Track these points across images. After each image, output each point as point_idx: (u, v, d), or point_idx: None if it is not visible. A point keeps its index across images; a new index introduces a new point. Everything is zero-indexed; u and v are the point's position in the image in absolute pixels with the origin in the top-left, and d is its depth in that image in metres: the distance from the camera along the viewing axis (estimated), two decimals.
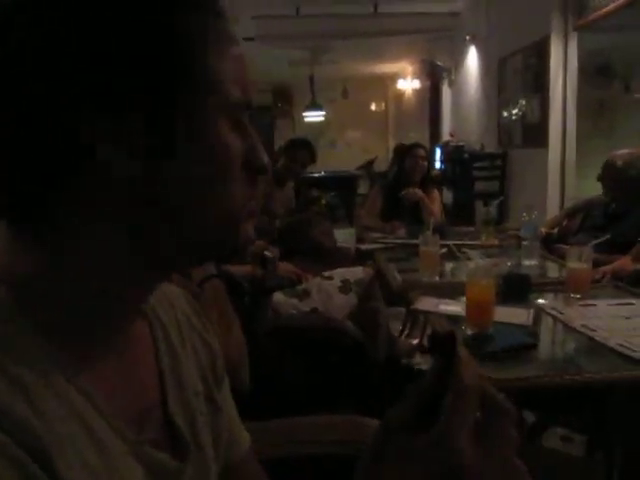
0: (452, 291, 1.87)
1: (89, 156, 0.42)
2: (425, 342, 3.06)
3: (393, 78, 10.50)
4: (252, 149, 0.50)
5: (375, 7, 6.21)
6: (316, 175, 7.92)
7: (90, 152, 0.42)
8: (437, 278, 2.14)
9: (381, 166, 9.40)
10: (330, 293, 2.13)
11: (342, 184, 8.74)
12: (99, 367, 0.47)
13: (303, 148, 3.31)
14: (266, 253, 1.60)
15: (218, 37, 0.47)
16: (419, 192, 3.48)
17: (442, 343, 0.40)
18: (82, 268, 0.45)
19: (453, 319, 1.66)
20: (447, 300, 1.81)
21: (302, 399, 1.61)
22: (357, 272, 2.30)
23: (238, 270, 1.73)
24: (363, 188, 8.86)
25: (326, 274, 2.24)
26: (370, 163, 9.75)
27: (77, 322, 0.45)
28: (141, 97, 0.43)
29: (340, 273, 2.26)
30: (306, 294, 2.12)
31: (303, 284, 2.18)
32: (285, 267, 2.19)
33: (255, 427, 1.26)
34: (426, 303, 1.82)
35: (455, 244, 2.42)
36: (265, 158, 0.51)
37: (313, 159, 3.36)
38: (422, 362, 2.90)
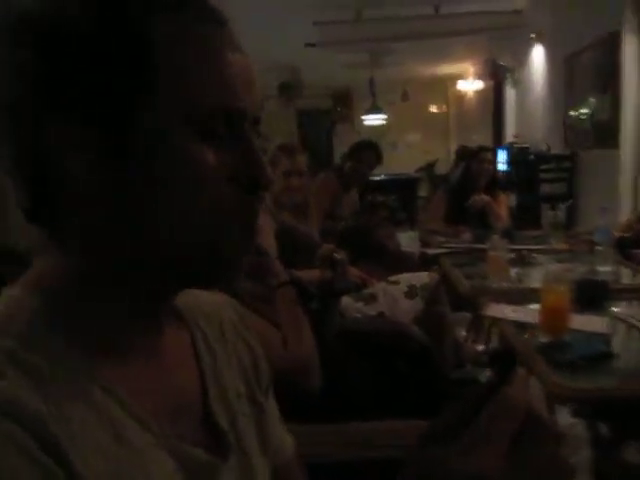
0: (522, 297, 1.83)
1: (56, 165, 0.43)
2: (489, 348, 3.00)
3: (454, 79, 10.33)
4: (244, 162, 0.47)
5: (436, 8, 6.14)
6: (376, 178, 7.90)
7: (57, 161, 0.43)
8: (505, 284, 2.10)
9: (442, 168, 9.27)
10: (396, 298, 2.13)
11: (402, 187, 8.69)
12: (129, 368, 0.48)
13: (369, 149, 3.29)
14: (335, 255, 1.61)
15: (191, 42, 0.44)
16: (485, 198, 3.40)
17: (501, 358, 0.40)
18: (92, 271, 0.47)
19: (522, 326, 1.63)
20: (516, 307, 1.77)
21: (367, 403, 1.61)
22: (423, 277, 2.28)
23: (306, 274, 1.76)
24: (423, 191, 8.76)
25: (392, 279, 2.24)
26: (431, 165, 9.63)
27: (100, 324, 0.47)
28: (95, 100, 0.42)
29: (406, 278, 2.25)
30: (372, 298, 2.12)
31: (369, 288, 2.18)
32: (352, 271, 2.20)
33: (323, 430, 1.29)
34: (495, 309, 1.79)
35: (524, 249, 2.36)
36: (261, 172, 0.47)
37: (379, 160, 3.34)
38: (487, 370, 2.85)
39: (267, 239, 1.55)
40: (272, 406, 0.65)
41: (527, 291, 1.89)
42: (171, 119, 0.44)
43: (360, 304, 2.10)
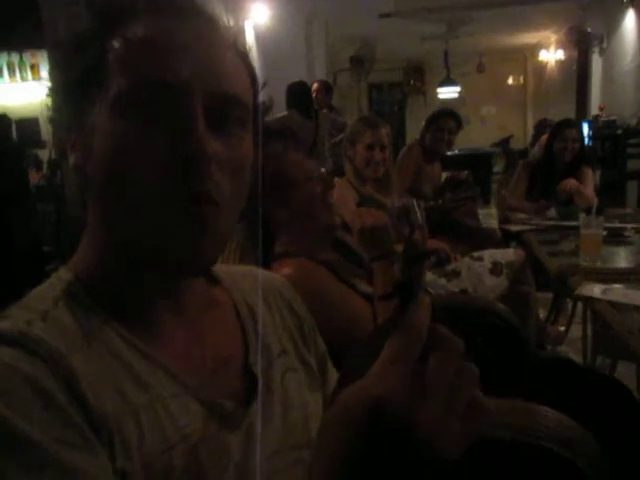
0: (618, 277, 1.74)
1: None
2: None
3: (534, 49, 9.85)
4: (177, 140, 0.47)
5: None
6: (449, 153, 7.69)
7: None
8: (599, 263, 2.00)
9: (518, 143, 8.91)
10: (480, 274, 2.08)
11: (477, 162, 8.41)
12: (162, 327, 0.53)
13: (447, 116, 3.18)
14: (407, 202, 1.57)
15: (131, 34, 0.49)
16: (573, 183, 3.17)
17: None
18: (101, 253, 0.53)
19: (621, 307, 1.55)
20: (615, 286, 1.69)
21: None
22: (508, 254, 2.21)
23: None
24: (499, 166, 8.46)
25: (476, 255, 2.18)
26: (506, 140, 9.27)
27: (124, 295, 0.53)
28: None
29: (490, 254, 2.19)
30: (455, 274, 2.08)
31: (451, 264, 2.14)
32: (436, 243, 2.16)
33: None
34: (590, 289, 1.70)
35: (619, 227, 2.24)
36: (186, 143, 0.46)
37: (460, 125, 3.22)
38: (570, 350, 2.75)
39: (349, 212, 1.53)
40: (332, 374, 0.68)
41: (624, 271, 1.79)
42: (109, 106, 0.48)
43: (443, 280, 2.06)
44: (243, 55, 0.54)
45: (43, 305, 0.49)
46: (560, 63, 9.10)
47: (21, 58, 3.49)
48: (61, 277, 0.53)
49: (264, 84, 0.58)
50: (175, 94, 0.48)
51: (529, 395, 1.51)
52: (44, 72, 3.43)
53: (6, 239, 2.82)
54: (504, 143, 9.24)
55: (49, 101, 0.54)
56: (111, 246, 0.53)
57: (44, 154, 3.21)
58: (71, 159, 0.52)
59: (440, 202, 2.68)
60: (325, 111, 4.50)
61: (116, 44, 0.49)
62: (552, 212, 3.05)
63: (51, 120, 0.55)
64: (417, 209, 1.51)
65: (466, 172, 3.25)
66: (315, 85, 4.90)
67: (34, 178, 3.17)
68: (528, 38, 9.53)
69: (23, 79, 3.51)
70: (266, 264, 1.22)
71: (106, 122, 0.48)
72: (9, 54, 3.51)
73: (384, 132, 2.24)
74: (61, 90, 0.53)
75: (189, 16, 0.51)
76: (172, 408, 0.49)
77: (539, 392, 1.69)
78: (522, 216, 3.11)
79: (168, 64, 0.48)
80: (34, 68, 3.52)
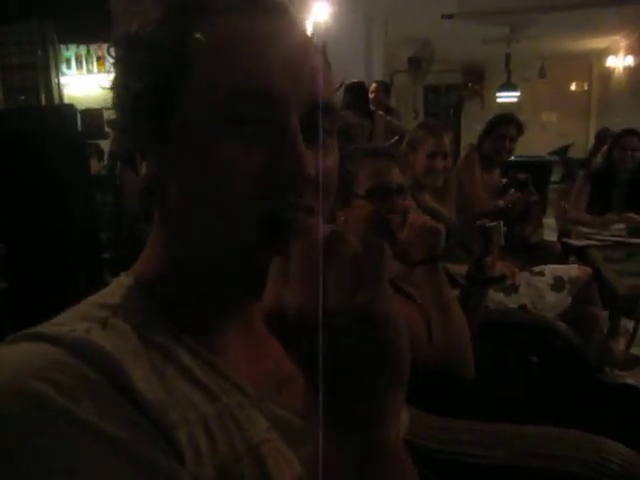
0: None
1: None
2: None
3: (601, 55, 9.47)
4: (277, 156, 0.44)
5: None
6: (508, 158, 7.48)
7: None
8: None
9: (579, 152, 8.61)
10: (541, 290, 1.99)
11: (534, 170, 8.16)
12: (225, 340, 0.52)
13: (508, 122, 3.07)
14: (487, 225, 1.50)
15: (226, 35, 0.45)
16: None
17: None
18: (169, 260, 0.51)
19: None
20: None
21: (513, 403, 1.53)
22: (571, 270, 2.11)
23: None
24: (556, 175, 8.19)
25: (536, 269, 2.09)
26: (565, 149, 8.97)
27: (189, 303, 0.51)
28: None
29: (552, 269, 2.09)
30: (513, 289, 2.00)
31: (509, 279, 2.06)
32: (505, 265, 2.07)
33: (466, 426, 1.23)
34: None
35: None
36: (293, 168, 0.43)
37: (520, 131, 3.11)
38: (628, 375, 2.61)
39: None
40: None
41: None
42: (200, 115, 0.44)
43: (500, 295, 1.99)
44: (323, 55, 0.51)
45: (103, 312, 0.47)
46: (629, 70, 8.71)
47: (88, 50, 3.59)
48: (122, 284, 0.51)
49: (341, 84, 0.55)
50: (273, 106, 0.44)
51: (591, 422, 1.43)
52: (110, 65, 3.51)
53: (65, 225, 2.90)
54: (563, 151, 8.94)
55: (111, 97, 0.50)
56: (182, 259, 0.51)
57: (106, 144, 3.29)
58: (142, 168, 0.49)
59: (510, 206, 2.57)
60: (381, 113, 4.44)
61: (200, 45, 0.45)
62: (619, 227, 2.90)
63: (114, 124, 0.51)
64: (502, 231, 1.45)
65: (525, 175, 3.13)
66: (373, 86, 4.85)
67: (95, 168, 3.25)
68: (595, 43, 9.17)
69: (89, 71, 3.60)
70: None
71: (194, 135, 0.45)
72: (77, 46, 3.61)
73: (447, 140, 2.17)
74: (128, 94, 0.48)
75: (276, 15, 0.47)
76: (239, 418, 0.48)
77: (601, 419, 1.61)
78: (584, 230, 2.99)
79: (267, 72, 0.44)
80: (100, 60, 3.61)
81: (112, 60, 0.50)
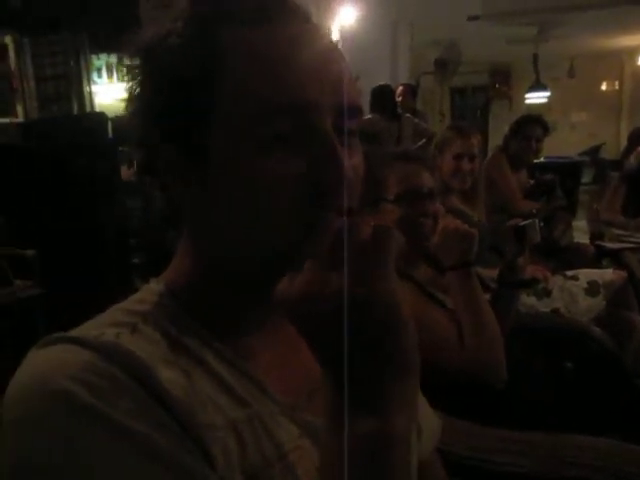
0: None
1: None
2: None
3: (633, 53, 9.28)
4: (317, 163, 0.44)
5: None
6: (534, 161, 7.38)
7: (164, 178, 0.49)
8: None
9: (610, 153, 8.43)
10: (574, 294, 1.95)
11: (563, 171, 8.02)
12: (255, 345, 0.52)
13: (533, 122, 3.02)
14: (521, 223, 1.47)
15: (258, 48, 0.44)
16: None
17: None
18: (199, 268, 0.51)
19: None
20: None
21: (547, 410, 1.50)
22: (606, 274, 2.06)
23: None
24: (587, 177, 8.03)
25: (569, 273, 2.04)
26: (596, 149, 8.79)
27: (218, 310, 0.51)
28: (176, 118, 0.46)
29: (586, 273, 2.04)
30: (546, 293, 1.96)
31: (542, 282, 2.02)
32: (537, 269, 2.04)
33: (499, 435, 1.21)
34: None
35: None
36: (334, 174, 0.43)
37: (546, 132, 3.05)
38: None
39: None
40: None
41: None
42: (235, 131, 0.44)
43: (533, 299, 1.95)
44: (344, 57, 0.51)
45: (132, 318, 0.48)
46: None
47: (119, 59, 3.66)
48: (152, 290, 0.52)
49: (357, 78, 0.55)
50: (309, 118, 0.45)
51: (627, 430, 1.39)
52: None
53: (97, 230, 2.96)
54: (594, 152, 8.77)
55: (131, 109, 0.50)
56: (215, 267, 0.51)
57: None
58: (167, 179, 0.48)
59: (535, 212, 2.53)
60: (409, 115, 4.42)
61: (232, 58, 0.44)
62: None
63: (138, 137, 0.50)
64: (538, 228, 1.42)
65: (552, 175, 3.07)
66: (400, 89, 4.84)
67: (125, 174, 3.31)
68: (626, 41, 8.98)
69: (120, 79, 3.68)
70: None
71: (229, 151, 0.45)
72: (108, 55, 3.69)
73: (475, 141, 2.14)
74: (153, 108, 0.47)
75: (302, 23, 0.47)
76: (269, 425, 0.48)
77: (638, 427, 1.56)
78: (619, 232, 2.92)
79: (301, 86, 0.44)
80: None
81: (135, 70, 0.49)
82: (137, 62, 0.49)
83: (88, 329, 0.46)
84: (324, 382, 0.41)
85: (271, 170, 0.44)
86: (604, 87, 10.51)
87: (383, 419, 0.38)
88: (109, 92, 3.70)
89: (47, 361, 0.43)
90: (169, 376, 0.44)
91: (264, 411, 0.48)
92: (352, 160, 0.48)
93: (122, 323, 0.47)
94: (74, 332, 0.46)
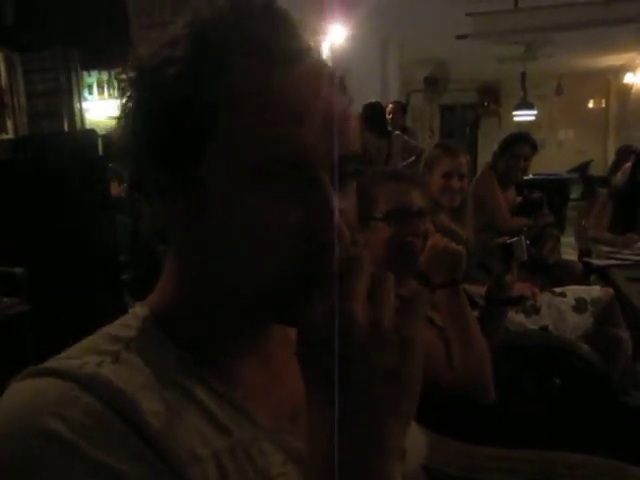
0: None
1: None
2: None
3: (618, 72, 9.44)
4: (312, 214, 0.44)
5: None
6: (523, 178, 7.44)
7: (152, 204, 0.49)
8: None
9: (598, 170, 8.54)
10: (562, 311, 1.96)
11: (552, 188, 8.10)
12: (240, 374, 0.51)
13: (521, 140, 3.05)
14: (508, 241, 1.48)
15: (259, 92, 0.43)
16: None
17: None
18: (186, 295, 0.51)
19: None
20: None
21: (536, 428, 1.50)
22: (593, 291, 2.08)
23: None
24: (575, 193, 8.12)
25: (558, 290, 2.06)
26: (585, 166, 8.90)
27: (204, 337, 0.51)
28: (171, 145, 0.45)
29: (573, 290, 2.06)
30: (534, 310, 1.98)
31: (530, 300, 2.03)
32: (525, 286, 2.05)
33: (488, 453, 1.21)
34: None
35: None
36: (327, 227, 0.43)
37: (534, 150, 3.09)
38: None
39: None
40: None
41: None
42: (232, 168, 0.44)
43: (521, 316, 1.96)
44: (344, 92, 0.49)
45: (115, 346, 0.47)
46: None
47: (110, 76, 3.67)
48: (137, 315, 0.51)
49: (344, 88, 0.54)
50: (307, 166, 0.44)
51: (615, 447, 1.39)
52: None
53: (86, 247, 2.94)
54: (582, 168, 8.87)
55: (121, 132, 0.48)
56: (199, 292, 0.50)
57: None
58: (154, 200, 0.48)
59: (522, 230, 2.55)
60: (398, 133, 4.46)
61: (232, 93, 0.43)
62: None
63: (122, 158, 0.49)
64: (525, 246, 1.43)
65: (539, 193, 3.09)
66: (390, 106, 4.89)
67: (115, 190, 3.30)
68: (612, 60, 9.15)
69: (110, 96, 3.68)
70: None
71: (224, 184, 0.44)
72: (99, 72, 3.69)
73: (463, 160, 2.16)
74: (147, 136, 0.46)
75: (308, 63, 0.45)
76: (253, 453, 0.47)
77: (626, 444, 1.56)
78: (606, 249, 2.94)
79: (302, 136, 0.43)
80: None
81: (131, 90, 0.47)
82: (133, 81, 0.47)
83: (70, 357, 0.46)
84: (316, 403, 0.41)
85: (264, 207, 0.44)
86: (591, 105, 10.67)
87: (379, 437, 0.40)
88: (100, 109, 3.70)
89: (26, 396, 0.43)
90: (150, 407, 0.43)
91: (248, 438, 0.48)
92: (348, 202, 0.48)
93: (104, 351, 0.47)
94: (55, 361, 0.45)
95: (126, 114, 0.48)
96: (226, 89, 0.43)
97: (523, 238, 1.45)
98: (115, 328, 0.50)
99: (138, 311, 0.52)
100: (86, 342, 0.49)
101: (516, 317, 1.96)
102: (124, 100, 0.48)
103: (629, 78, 9.04)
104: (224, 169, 0.44)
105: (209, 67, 0.44)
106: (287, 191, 0.44)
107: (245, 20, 0.45)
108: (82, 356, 0.46)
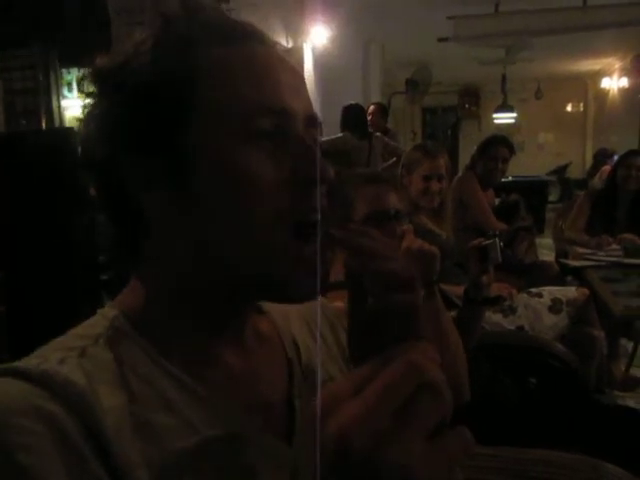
0: None
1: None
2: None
3: (595, 76, 9.60)
4: (298, 160, 0.47)
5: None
6: (502, 180, 7.52)
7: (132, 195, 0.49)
8: None
9: (576, 172, 8.68)
10: (539, 311, 1.99)
11: (530, 190, 8.21)
12: (210, 362, 0.52)
13: (499, 143, 3.10)
14: (483, 243, 1.50)
15: (233, 60, 0.48)
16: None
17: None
18: (163, 291, 0.51)
19: None
20: None
21: (513, 425, 1.52)
22: (569, 291, 2.11)
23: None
24: (554, 195, 8.24)
25: (534, 291, 2.09)
26: (563, 168, 9.04)
27: (177, 333, 0.51)
28: (149, 128, 0.47)
29: (550, 291, 2.10)
30: (511, 310, 2.01)
31: (507, 300, 2.06)
32: (502, 286, 2.07)
33: (477, 452, 1.23)
34: None
35: None
36: (314, 168, 0.46)
37: (512, 152, 3.14)
38: (627, 396, 2.60)
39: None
40: None
41: None
42: (218, 132, 0.46)
43: (498, 316, 1.99)
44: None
45: (82, 342, 0.47)
46: (624, 91, 8.83)
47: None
48: (106, 314, 0.51)
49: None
50: (286, 120, 0.48)
51: (589, 444, 1.42)
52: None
53: (66, 248, 2.90)
54: (560, 171, 9.01)
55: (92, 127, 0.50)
56: (172, 289, 0.51)
57: None
58: (133, 190, 0.48)
59: (497, 233, 2.59)
60: (379, 134, 4.48)
61: (210, 70, 0.48)
62: (616, 248, 2.91)
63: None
64: (499, 248, 1.45)
65: (516, 196, 3.14)
66: (371, 108, 4.91)
67: (94, 190, 3.27)
68: (590, 65, 9.31)
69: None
70: (322, 294, 1.19)
71: (218, 149, 0.47)
72: (79, 70, 3.65)
73: (442, 162, 2.18)
74: (127, 124, 0.47)
75: (269, 46, 0.52)
76: (223, 452, 0.47)
77: (598, 441, 1.60)
78: (582, 250, 2.99)
79: (278, 92, 0.48)
80: None
81: (100, 87, 0.50)
82: (106, 74, 0.50)
83: (34, 357, 0.46)
84: None
85: (256, 166, 0.46)
86: (569, 108, 10.84)
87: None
88: (80, 106, 3.67)
89: None
90: (111, 403, 0.43)
91: (217, 436, 0.47)
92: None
93: (71, 347, 0.46)
94: (21, 361, 0.45)
95: (101, 106, 0.50)
96: (199, 59, 0.48)
97: (497, 240, 1.47)
98: (83, 327, 0.50)
99: (107, 310, 0.52)
100: (55, 341, 0.48)
101: (493, 317, 1.99)
102: (94, 96, 0.50)
103: (606, 82, 9.20)
104: (210, 135, 0.47)
105: (179, 44, 0.48)
106: (272, 144, 0.47)
107: (202, 11, 0.51)
108: (47, 354, 0.46)
